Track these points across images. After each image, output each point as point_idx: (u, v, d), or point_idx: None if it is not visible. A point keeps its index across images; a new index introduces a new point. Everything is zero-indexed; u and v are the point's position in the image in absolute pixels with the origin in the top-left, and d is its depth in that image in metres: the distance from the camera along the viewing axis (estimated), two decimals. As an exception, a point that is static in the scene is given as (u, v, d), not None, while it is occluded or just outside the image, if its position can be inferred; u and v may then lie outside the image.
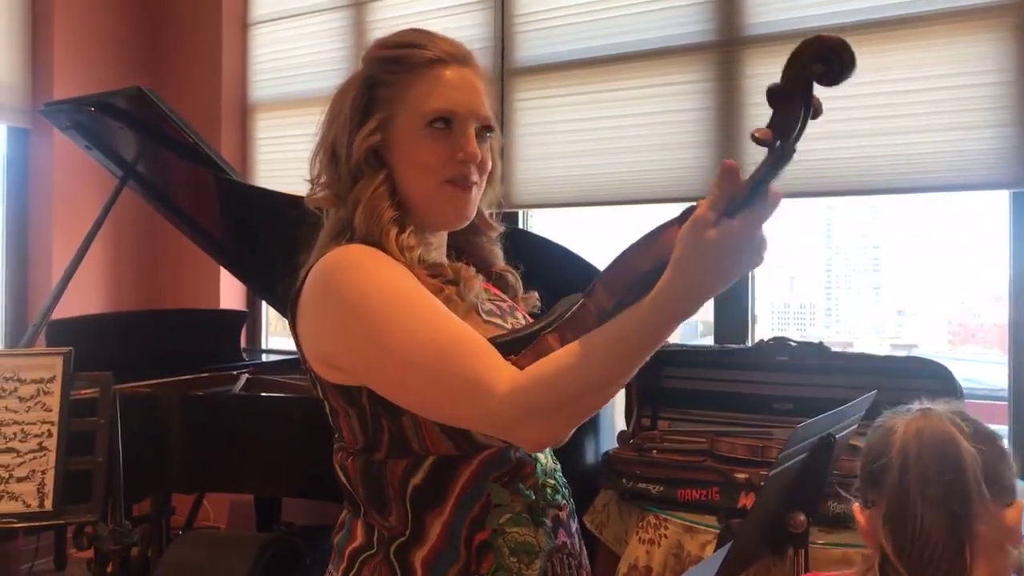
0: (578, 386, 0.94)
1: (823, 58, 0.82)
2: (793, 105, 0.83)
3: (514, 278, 1.27)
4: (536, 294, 1.28)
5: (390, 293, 1.02)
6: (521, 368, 0.96)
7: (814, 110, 0.84)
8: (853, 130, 2.76)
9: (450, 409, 0.99)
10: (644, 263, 0.94)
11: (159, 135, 2.72)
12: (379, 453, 1.08)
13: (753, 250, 0.90)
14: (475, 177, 1.13)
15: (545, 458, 1.15)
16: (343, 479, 1.12)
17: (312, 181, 1.17)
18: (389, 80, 1.12)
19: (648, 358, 0.94)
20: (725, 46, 2.99)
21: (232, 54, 4.19)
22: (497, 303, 1.19)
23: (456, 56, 1.13)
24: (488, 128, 1.15)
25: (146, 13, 4.30)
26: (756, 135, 0.86)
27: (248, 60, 4.23)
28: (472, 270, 1.14)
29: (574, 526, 1.18)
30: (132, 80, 3.22)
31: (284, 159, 4.10)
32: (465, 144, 1.10)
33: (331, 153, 1.14)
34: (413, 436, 1.05)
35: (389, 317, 1.00)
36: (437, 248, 1.18)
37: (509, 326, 1.15)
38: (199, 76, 4.17)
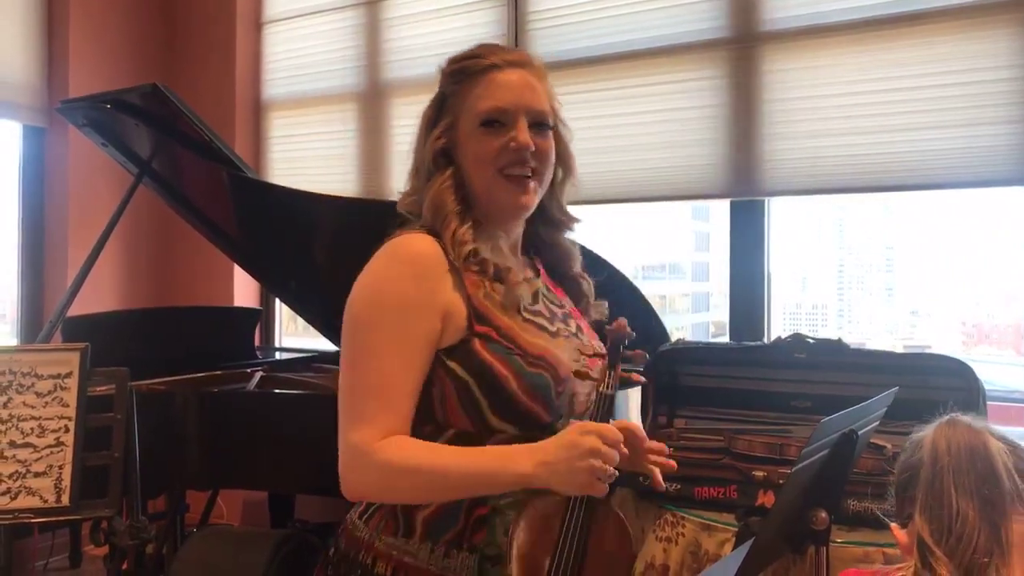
0: (399, 490, 1.13)
1: None
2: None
3: (588, 285, 1.37)
4: (606, 304, 1.38)
5: (385, 309, 1.15)
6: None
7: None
8: (867, 127, 2.75)
9: (341, 420, 1.15)
10: None
11: (174, 132, 2.72)
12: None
13: (575, 455, 1.04)
14: (533, 163, 1.21)
15: None
16: None
17: (406, 194, 1.29)
18: (453, 91, 1.25)
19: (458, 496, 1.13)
20: (740, 42, 2.98)
21: (246, 52, 4.20)
22: (553, 306, 1.28)
23: (511, 61, 1.24)
24: (544, 122, 1.23)
25: (161, 12, 4.32)
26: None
27: (262, 58, 4.24)
28: (521, 276, 1.23)
29: None
30: (147, 79, 3.23)
31: (298, 157, 4.11)
32: (516, 134, 1.20)
33: (416, 169, 1.28)
34: (439, 406, 1.17)
35: (370, 323, 1.15)
36: (506, 242, 1.27)
37: (555, 329, 1.23)
38: (213, 74, 4.18)
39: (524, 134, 1.20)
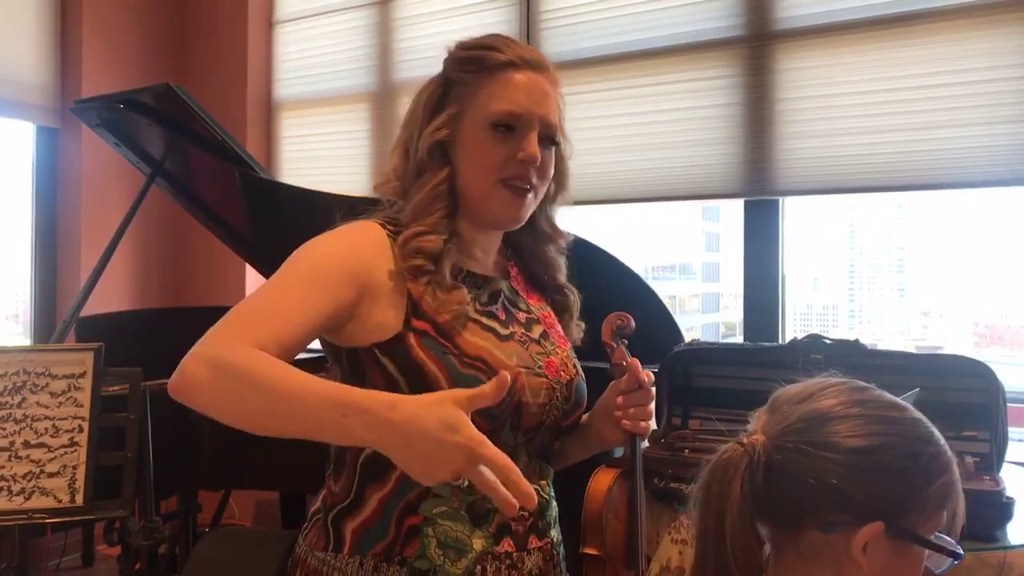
0: (232, 395, 0.96)
1: None
2: None
3: (574, 298, 1.30)
4: (583, 326, 1.30)
5: (306, 257, 1.10)
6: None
7: None
8: (881, 125, 2.73)
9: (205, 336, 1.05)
10: None
11: (187, 132, 2.72)
12: None
13: (441, 447, 0.85)
14: (534, 180, 1.15)
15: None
16: None
17: (387, 175, 1.22)
18: (463, 79, 1.16)
19: (285, 433, 0.96)
20: (754, 41, 2.96)
21: (258, 53, 4.21)
22: (516, 309, 1.21)
23: (529, 61, 1.16)
24: (553, 138, 1.17)
25: (173, 12, 4.33)
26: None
27: (273, 58, 4.24)
28: (461, 295, 1.12)
29: (534, 543, 1.15)
30: (159, 79, 3.24)
31: (309, 157, 4.11)
32: (526, 145, 1.13)
33: (404, 148, 1.19)
34: None
35: (287, 266, 1.09)
36: (484, 243, 1.22)
37: (506, 332, 1.15)
38: (225, 74, 4.19)
39: (534, 146, 1.13)
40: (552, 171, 1.18)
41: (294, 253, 1.11)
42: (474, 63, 1.16)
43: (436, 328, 1.09)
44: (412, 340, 1.08)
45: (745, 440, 0.91)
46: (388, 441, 0.88)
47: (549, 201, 1.24)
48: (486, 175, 1.13)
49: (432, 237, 1.11)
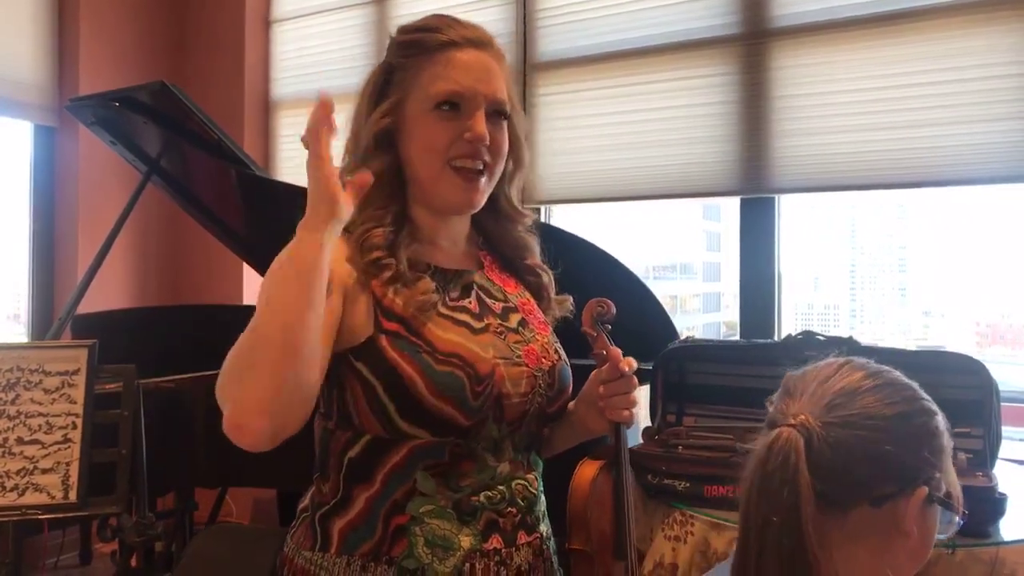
0: (241, 347, 0.97)
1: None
2: None
3: (548, 277, 1.27)
4: (570, 298, 1.28)
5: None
6: None
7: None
8: (878, 123, 2.73)
9: None
10: None
11: (182, 130, 2.72)
12: (331, 421, 1.13)
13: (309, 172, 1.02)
14: (486, 157, 1.12)
15: (503, 464, 1.13)
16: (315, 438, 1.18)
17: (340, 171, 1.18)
18: (404, 64, 1.13)
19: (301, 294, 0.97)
20: (750, 39, 2.96)
21: (255, 51, 4.21)
22: (491, 300, 1.18)
23: (471, 39, 1.13)
24: (502, 112, 1.14)
25: (170, 11, 4.34)
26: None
27: (271, 57, 4.25)
28: (426, 284, 1.10)
29: (523, 538, 1.14)
30: (156, 77, 3.23)
31: (306, 155, 4.11)
32: (473, 124, 1.09)
33: (353, 140, 1.17)
34: (353, 412, 1.09)
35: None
36: (449, 231, 1.19)
37: (480, 325, 1.13)
38: (222, 73, 4.19)
39: (481, 125, 1.09)
40: (506, 148, 1.15)
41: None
42: (414, 46, 1.13)
43: (407, 327, 1.07)
44: (384, 342, 1.06)
45: (792, 421, 0.87)
46: (313, 225, 1.01)
47: (508, 179, 1.20)
48: (434, 157, 1.10)
49: (379, 231, 1.10)
